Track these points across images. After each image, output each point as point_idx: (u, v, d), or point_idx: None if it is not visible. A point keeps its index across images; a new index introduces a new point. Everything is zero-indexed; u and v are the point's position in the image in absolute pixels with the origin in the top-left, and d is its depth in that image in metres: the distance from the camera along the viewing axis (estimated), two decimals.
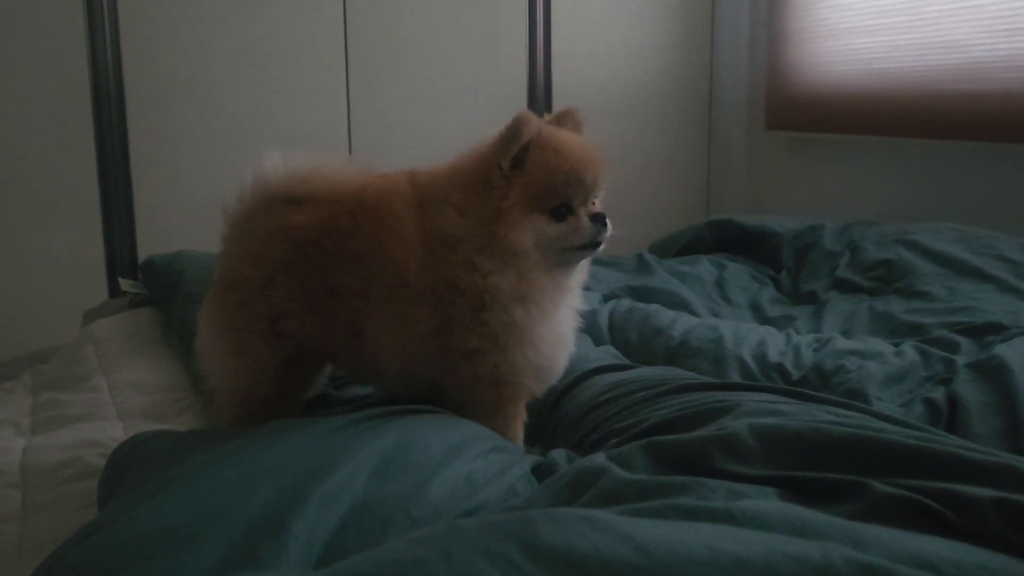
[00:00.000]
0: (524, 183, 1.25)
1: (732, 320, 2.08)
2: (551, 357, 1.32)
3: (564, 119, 1.35)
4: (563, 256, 1.30)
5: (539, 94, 3.33)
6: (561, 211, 1.27)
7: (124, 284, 2.51)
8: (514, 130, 1.23)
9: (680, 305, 2.19)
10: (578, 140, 1.31)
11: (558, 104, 3.33)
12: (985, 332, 1.80)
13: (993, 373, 1.52)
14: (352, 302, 1.27)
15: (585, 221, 1.28)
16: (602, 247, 1.31)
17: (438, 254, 1.25)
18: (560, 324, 1.34)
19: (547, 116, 1.37)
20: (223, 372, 1.37)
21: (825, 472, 0.99)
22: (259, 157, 1.30)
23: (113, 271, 2.74)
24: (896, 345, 1.78)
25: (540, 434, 1.46)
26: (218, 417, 1.42)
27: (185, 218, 2.45)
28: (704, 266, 2.49)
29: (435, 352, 1.28)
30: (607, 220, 1.29)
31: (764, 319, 2.19)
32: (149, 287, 2.34)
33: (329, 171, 1.31)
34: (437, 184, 1.28)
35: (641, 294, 2.25)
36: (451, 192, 1.26)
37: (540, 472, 1.17)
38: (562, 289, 1.33)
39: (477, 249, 1.24)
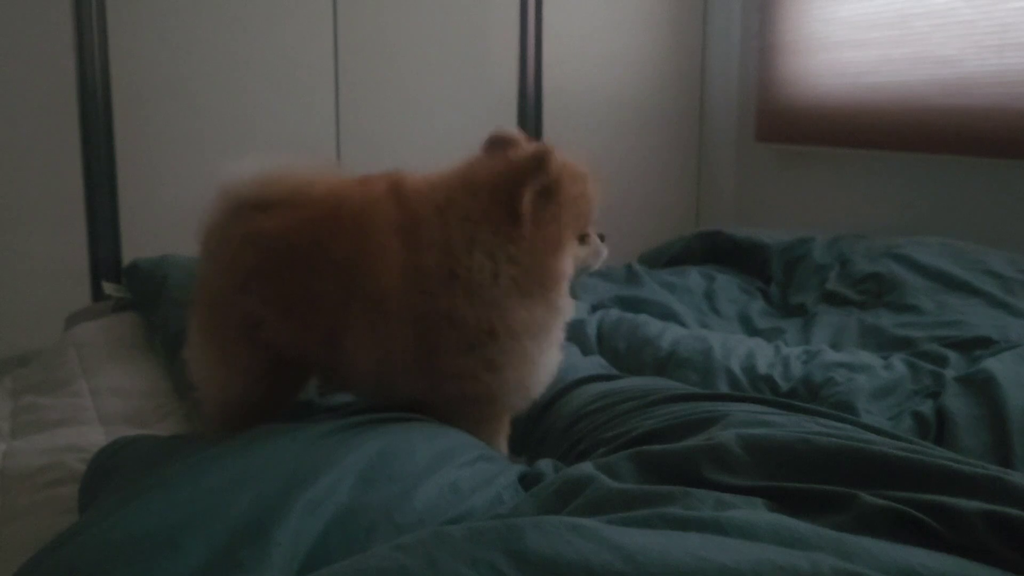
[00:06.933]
0: (573, 215, 1.25)
1: (721, 332, 2.08)
2: (541, 377, 1.31)
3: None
4: (575, 277, 1.32)
5: (529, 104, 3.33)
6: (582, 235, 1.29)
7: (107, 288, 2.49)
8: (540, 162, 1.20)
9: (669, 316, 2.18)
10: (580, 161, 1.30)
11: (548, 114, 3.34)
12: (974, 346, 1.81)
13: (982, 387, 1.52)
14: (329, 312, 1.23)
15: (599, 242, 1.32)
16: (598, 264, 1.35)
17: (434, 288, 1.20)
18: (556, 346, 1.33)
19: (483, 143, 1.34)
20: (209, 381, 1.35)
21: (813, 483, 0.99)
22: (227, 164, 1.27)
23: (97, 275, 2.72)
24: (885, 358, 1.78)
25: (527, 444, 1.45)
26: (205, 425, 1.40)
27: (170, 222, 2.41)
28: (693, 277, 2.49)
29: (417, 371, 1.25)
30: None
31: (753, 331, 2.18)
32: (133, 291, 2.32)
33: (299, 173, 1.27)
34: (445, 220, 1.21)
35: (630, 304, 2.25)
36: (478, 236, 1.20)
37: (527, 481, 1.16)
38: (570, 309, 1.33)
39: (508, 291, 1.21)
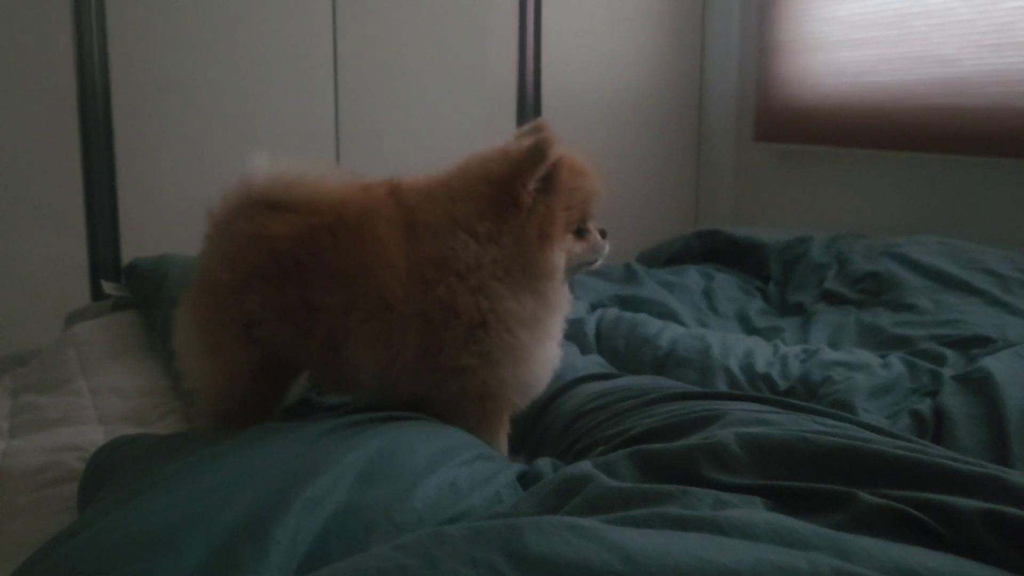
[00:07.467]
0: (565, 206, 1.25)
1: (720, 331, 2.08)
2: (539, 374, 1.32)
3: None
4: (574, 272, 1.33)
5: (528, 103, 3.33)
6: (580, 229, 1.29)
7: (107, 287, 2.49)
8: (540, 151, 1.21)
9: (667, 315, 2.18)
10: (584, 157, 1.31)
11: (547, 114, 3.33)
12: (971, 345, 1.81)
13: (979, 385, 1.52)
14: (330, 319, 1.24)
15: (598, 237, 1.32)
16: (600, 261, 1.34)
17: (433, 279, 1.22)
18: (553, 341, 1.33)
19: (515, 131, 1.35)
20: (199, 372, 1.35)
21: (812, 482, 0.99)
22: (245, 159, 1.29)
23: (96, 274, 2.72)
24: (883, 357, 1.78)
25: (525, 443, 1.45)
26: (198, 418, 1.41)
27: (169, 222, 2.43)
28: (692, 276, 2.49)
29: (420, 371, 1.26)
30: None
31: (752, 330, 2.18)
32: (132, 290, 2.32)
33: (313, 178, 1.28)
34: (436, 207, 1.24)
35: (629, 303, 2.25)
36: (463, 217, 1.22)
37: (526, 480, 1.16)
38: (567, 305, 1.33)
39: (495, 275, 1.22)
